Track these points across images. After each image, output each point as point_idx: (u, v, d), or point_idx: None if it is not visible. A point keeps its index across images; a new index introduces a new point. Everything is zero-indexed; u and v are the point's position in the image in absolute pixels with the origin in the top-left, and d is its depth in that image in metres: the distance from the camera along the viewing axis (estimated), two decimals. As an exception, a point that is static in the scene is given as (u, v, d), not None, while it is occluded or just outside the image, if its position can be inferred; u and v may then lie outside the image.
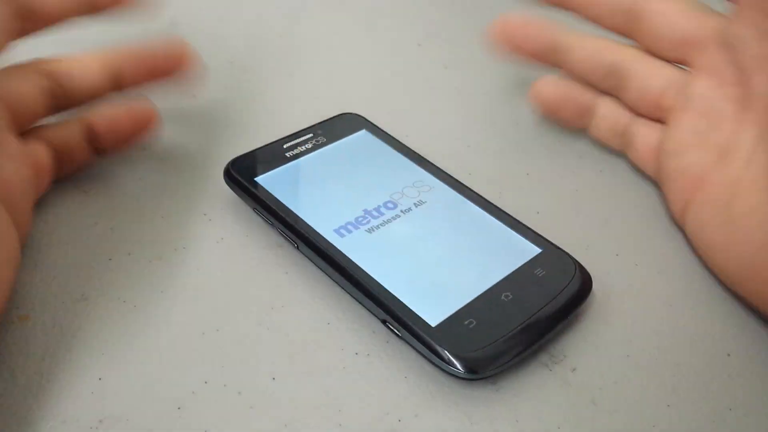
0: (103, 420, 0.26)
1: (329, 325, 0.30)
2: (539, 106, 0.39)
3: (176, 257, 0.32)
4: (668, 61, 0.36)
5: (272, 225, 0.33)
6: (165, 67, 0.35)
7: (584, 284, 0.31)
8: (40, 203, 0.34)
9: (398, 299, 0.29)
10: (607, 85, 0.37)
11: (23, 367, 0.28)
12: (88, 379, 0.27)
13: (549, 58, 0.38)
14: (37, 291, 0.30)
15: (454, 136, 0.40)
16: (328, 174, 0.35)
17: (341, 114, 0.39)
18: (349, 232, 0.32)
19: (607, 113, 0.38)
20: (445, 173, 0.36)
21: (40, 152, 0.32)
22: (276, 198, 0.33)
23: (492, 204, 0.34)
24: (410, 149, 0.37)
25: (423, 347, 0.28)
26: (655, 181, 0.38)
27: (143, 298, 0.30)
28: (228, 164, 0.35)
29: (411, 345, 0.29)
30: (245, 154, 0.36)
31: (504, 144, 0.40)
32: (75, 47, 0.45)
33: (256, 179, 0.34)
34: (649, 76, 0.35)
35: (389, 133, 0.38)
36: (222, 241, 0.33)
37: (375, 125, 0.38)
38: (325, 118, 0.39)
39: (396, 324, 0.28)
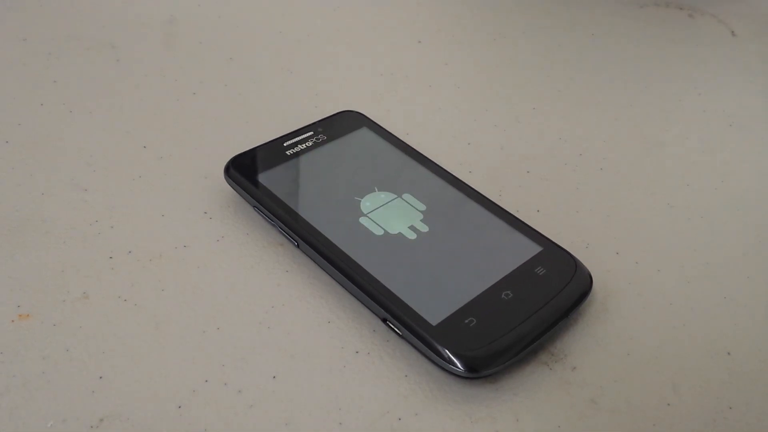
0: (103, 419, 0.26)
1: (330, 324, 0.30)
2: None
3: (177, 256, 0.32)
4: None
5: (273, 223, 0.33)
6: None
7: (584, 283, 0.31)
8: (40, 202, 0.34)
9: (399, 298, 0.29)
10: None
11: (23, 366, 0.28)
12: (89, 378, 0.27)
13: None
14: (38, 290, 0.30)
15: (455, 134, 0.40)
16: (329, 172, 0.35)
17: (341, 111, 0.39)
18: (350, 230, 0.32)
19: None
20: (446, 171, 0.35)
21: None
22: (276, 196, 0.33)
23: (492, 202, 0.34)
24: (410, 147, 0.37)
25: (423, 346, 0.28)
26: (655, 180, 0.38)
27: (144, 297, 0.30)
28: (228, 162, 0.35)
29: (411, 344, 0.29)
30: (245, 152, 0.36)
31: (504, 142, 0.40)
32: (76, 43, 0.46)
33: (256, 177, 0.34)
34: None
35: (389, 130, 0.38)
36: (222, 240, 0.33)
37: (375, 123, 0.38)
38: (325, 116, 0.39)
39: (396, 323, 0.29)
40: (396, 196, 0.34)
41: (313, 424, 0.26)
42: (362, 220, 0.32)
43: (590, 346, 0.30)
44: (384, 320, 0.29)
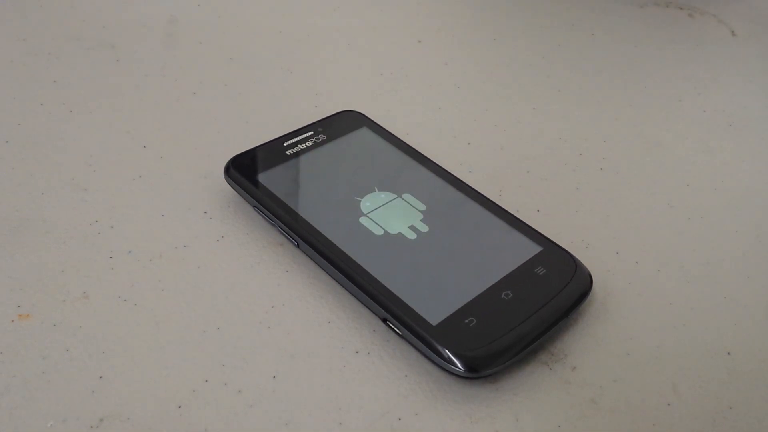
0: (103, 419, 0.26)
1: (330, 324, 0.30)
2: None
3: (177, 255, 0.32)
4: None
5: (273, 223, 0.33)
6: None
7: (584, 283, 0.31)
8: (40, 202, 0.34)
9: (399, 298, 0.29)
10: None
11: (23, 366, 0.28)
12: (89, 378, 0.27)
13: None
14: (38, 290, 0.30)
15: (455, 134, 0.40)
16: (329, 172, 0.35)
17: (341, 111, 0.39)
18: (350, 230, 0.32)
19: None
20: (446, 171, 0.35)
21: None
22: (276, 196, 0.33)
23: (492, 202, 0.34)
24: (410, 147, 0.37)
25: (423, 346, 0.28)
26: (655, 180, 0.38)
27: (144, 297, 0.30)
28: (228, 162, 0.35)
29: (411, 344, 0.29)
30: (245, 152, 0.36)
31: (504, 142, 0.40)
32: (76, 43, 0.46)
33: (256, 177, 0.34)
34: None
35: (389, 130, 0.38)
36: (222, 240, 0.33)
37: (375, 123, 0.38)
38: (325, 116, 0.39)
39: (396, 323, 0.29)
40: (396, 196, 0.34)
41: (313, 424, 0.26)
42: (362, 220, 0.32)
43: (590, 346, 0.30)
44: (384, 320, 0.29)
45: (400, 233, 0.32)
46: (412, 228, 0.32)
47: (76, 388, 0.27)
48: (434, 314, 0.28)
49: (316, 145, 0.36)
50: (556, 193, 0.37)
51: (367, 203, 0.33)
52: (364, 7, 0.51)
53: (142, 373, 0.28)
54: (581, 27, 0.51)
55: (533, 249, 0.32)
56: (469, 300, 0.29)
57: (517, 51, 0.48)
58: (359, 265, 0.30)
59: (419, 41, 0.48)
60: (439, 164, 0.36)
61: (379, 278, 0.30)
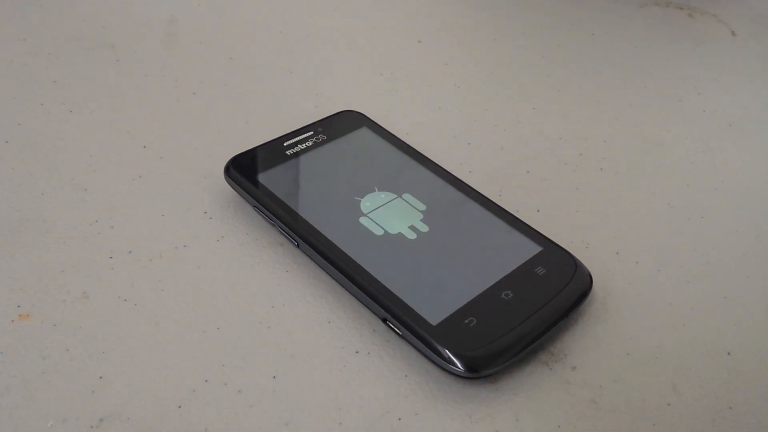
0: (103, 419, 0.26)
1: (330, 324, 0.30)
2: None
3: (177, 255, 0.32)
4: None
5: (273, 223, 0.33)
6: None
7: (584, 283, 0.31)
8: (40, 202, 0.34)
9: (399, 298, 0.29)
10: None
11: (23, 366, 0.28)
12: (89, 378, 0.27)
13: None
14: (38, 290, 0.30)
15: (454, 134, 0.40)
16: (329, 171, 0.35)
17: (341, 111, 0.39)
18: (350, 230, 0.32)
19: None
20: (445, 171, 0.35)
21: None
22: (276, 196, 0.33)
23: (492, 202, 0.34)
24: (410, 147, 0.37)
25: (423, 346, 0.28)
26: (655, 180, 0.38)
27: (144, 297, 0.30)
28: (228, 162, 0.35)
29: (411, 344, 0.29)
30: (245, 152, 0.36)
31: (504, 142, 0.40)
32: (76, 43, 0.46)
33: (256, 177, 0.34)
34: None
35: (389, 130, 0.38)
36: (222, 240, 0.33)
37: (375, 123, 0.38)
38: (325, 116, 0.39)
39: (396, 323, 0.29)
40: (396, 196, 0.34)
41: (313, 424, 0.26)
42: (362, 220, 0.32)
43: (590, 346, 0.30)
44: (384, 320, 0.29)
45: (400, 233, 0.32)
46: (412, 228, 0.32)
47: (76, 388, 0.27)
48: (434, 314, 0.28)
49: (316, 145, 0.36)
50: (556, 193, 0.37)
51: (367, 203, 0.33)
52: (364, 7, 0.51)
53: (142, 373, 0.28)
54: (581, 27, 0.51)
55: (533, 249, 0.32)
56: (469, 300, 0.29)
57: (517, 51, 0.48)
58: (359, 265, 0.30)
59: (419, 41, 0.48)
60: (439, 164, 0.36)
61: (379, 278, 0.30)
